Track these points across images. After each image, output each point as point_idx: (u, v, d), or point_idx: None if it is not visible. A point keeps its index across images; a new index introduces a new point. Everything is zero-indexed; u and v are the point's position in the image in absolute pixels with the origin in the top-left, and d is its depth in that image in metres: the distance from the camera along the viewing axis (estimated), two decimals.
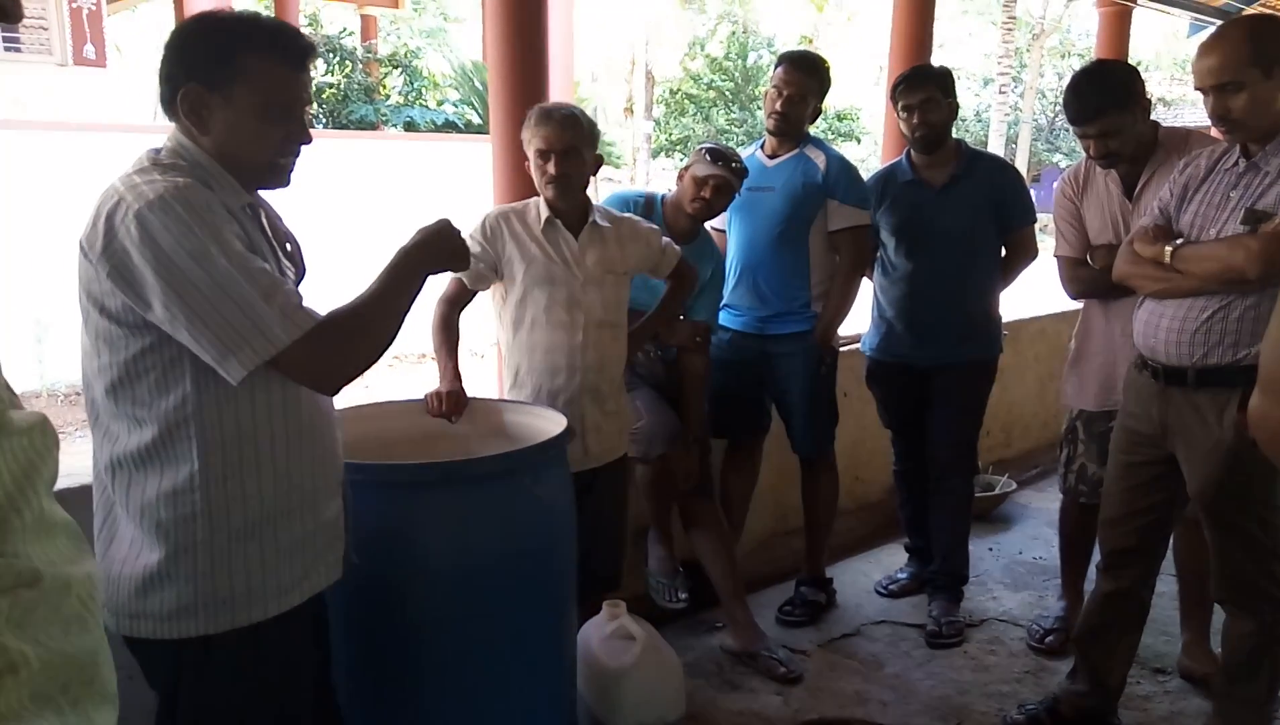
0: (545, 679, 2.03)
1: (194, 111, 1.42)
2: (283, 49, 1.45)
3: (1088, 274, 2.76)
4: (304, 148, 1.51)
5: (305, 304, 1.42)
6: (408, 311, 1.53)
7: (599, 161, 2.43)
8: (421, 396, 2.29)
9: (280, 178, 1.51)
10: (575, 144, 2.33)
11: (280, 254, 1.55)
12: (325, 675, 1.70)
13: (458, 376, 2.34)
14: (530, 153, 2.37)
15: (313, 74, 1.52)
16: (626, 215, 2.58)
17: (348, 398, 2.27)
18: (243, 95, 1.41)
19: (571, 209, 2.40)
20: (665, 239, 2.59)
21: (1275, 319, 0.93)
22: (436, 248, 1.58)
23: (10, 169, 6.36)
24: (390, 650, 1.87)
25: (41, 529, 0.68)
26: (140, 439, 1.40)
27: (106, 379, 1.40)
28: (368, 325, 1.47)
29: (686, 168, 2.85)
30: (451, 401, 2.26)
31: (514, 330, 2.43)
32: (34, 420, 0.68)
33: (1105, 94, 2.56)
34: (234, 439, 1.43)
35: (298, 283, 1.57)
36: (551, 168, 2.32)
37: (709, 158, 2.77)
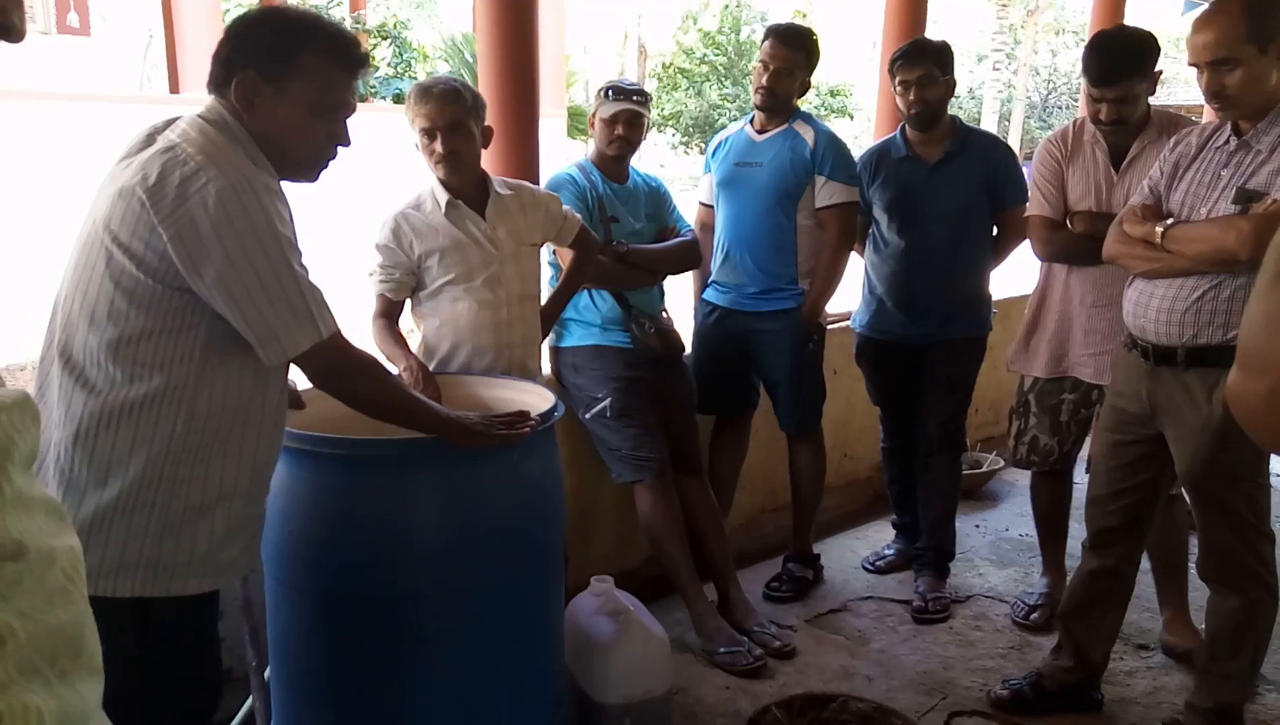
0: (533, 654, 2.03)
1: (246, 97, 1.48)
2: (342, 52, 1.53)
3: (1063, 237, 2.77)
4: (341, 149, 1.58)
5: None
6: (399, 420, 1.74)
7: (489, 134, 2.38)
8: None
9: (313, 173, 1.59)
10: (459, 119, 2.27)
11: None
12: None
13: (425, 370, 2.30)
14: (415, 132, 2.32)
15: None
16: (523, 183, 2.55)
17: None
18: (296, 89, 1.48)
19: (468, 186, 2.35)
20: (565, 207, 2.55)
21: (1254, 297, 0.94)
22: (464, 437, 1.77)
23: None
24: (377, 626, 1.87)
25: (21, 505, 0.68)
26: (128, 394, 1.42)
27: (115, 330, 1.41)
28: (377, 385, 1.66)
29: (593, 113, 2.84)
30: (428, 387, 2.22)
31: (434, 316, 2.39)
32: (15, 397, 0.68)
33: (1131, 59, 2.57)
34: (218, 414, 1.47)
35: None
36: (439, 146, 2.27)
37: (609, 96, 2.78)
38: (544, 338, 2.61)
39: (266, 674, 2.05)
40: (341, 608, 1.87)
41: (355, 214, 4.93)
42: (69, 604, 0.70)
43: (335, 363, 1.54)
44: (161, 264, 1.39)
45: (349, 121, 1.58)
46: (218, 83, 1.50)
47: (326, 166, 1.59)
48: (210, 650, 1.60)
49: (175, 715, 1.52)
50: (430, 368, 2.34)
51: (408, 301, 2.44)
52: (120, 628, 1.42)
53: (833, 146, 2.99)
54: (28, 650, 0.65)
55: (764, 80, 2.97)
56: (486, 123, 2.37)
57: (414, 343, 2.43)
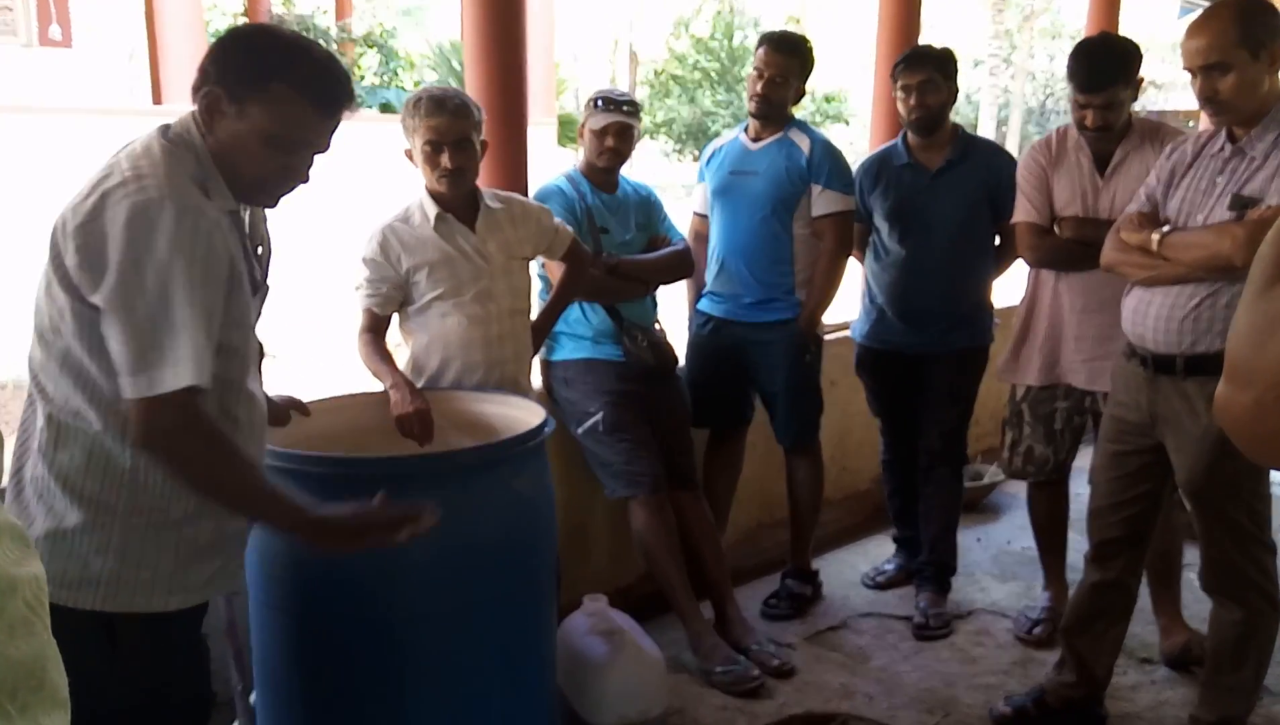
0: (525, 675, 1.99)
1: (208, 111, 1.43)
2: (316, 90, 1.45)
3: (1051, 242, 2.77)
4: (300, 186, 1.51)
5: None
6: (241, 507, 1.50)
7: (484, 147, 2.34)
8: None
9: (266, 201, 1.53)
10: (468, 134, 2.24)
11: (254, 261, 1.56)
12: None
13: (413, 388, 2.23)
14: (415, 142, 2.25)
15: (343, 120, 1.53)
16: (514, 195, 2.51)
17: (319, 390, 2.23)
18: (256, 116, 1.42)
19: (459, 199, 2.31)
20: (558, 220, 2.51)
21: (1240, 308, 0.93)
22: (323, 538, 1.51)
23: None
24: (368, 645, 1.84)
25: None
26: (79, 405, 1.39)
27: (59, 346, 1.40)
28: (219, 467, 1.42)
29: (583, 124, 2.81)
30: (426, 420, 2.17)
31: (423, 332, 2.34)
32: None
33: (1117, 65, 2.60)
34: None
35: (258, 291, 1.56)
36: (446, 161, 2.22)
37: (599, 106, 2.75)
38: (535, 352, 2.58)
39: (252, 698, 2.00)
40: (328, 629, 1.83)
41: (340, 226, 4.89)
42: (30, 635, 0.68)
43: (174, 422, 1.35)
44: (75, 278, 1.35)
45: (312, 160, 1.50)
46: (194, 90, 1.46)
47: (285, 195, 1.52)
48: (187, 671, 1.55)
49: None
50: (419, 385, 2.29)
51: (395, 317, 2.40)
52: (85, 639, 1.39)
53: (829, 155, 2.96)
54: None
55: (759, 88, 2.94)
56: (482, 136, 2.33)
57: (401, 359, 2.38)
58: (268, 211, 1.61)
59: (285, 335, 6.04)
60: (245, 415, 1.54)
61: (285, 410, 1.96)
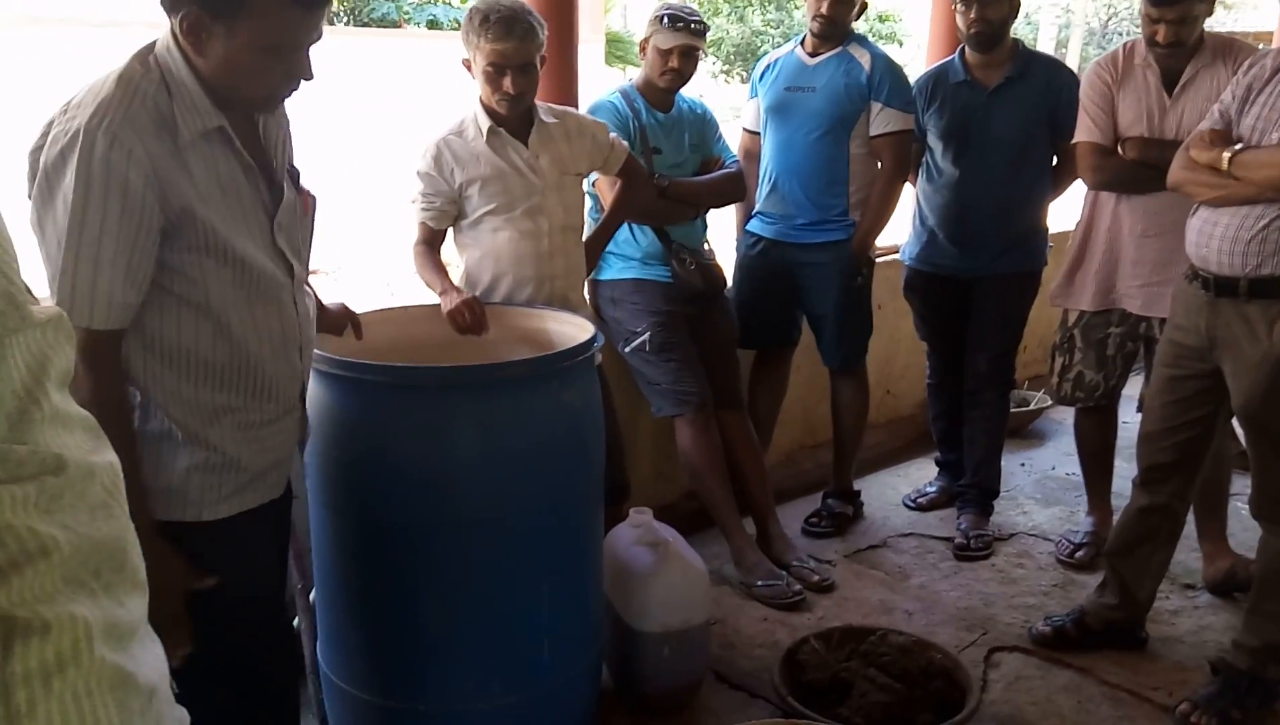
0: (572, 582, 2.04)
1: (193, 34, 1.37)
2: None
3: (1114, 163, 2.68)
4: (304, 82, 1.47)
5: (123, 310, 1.39)
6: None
7: (544, 61, 2.28)
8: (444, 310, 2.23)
9: (272, 107, 1.51)
10: (532, 58, 2.19)
11: (258, 173, 1.51)
12: (280, 598, 1.72)
13: (460, 292, 2.25)
14: (477, 60, 2.20)
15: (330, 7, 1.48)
16: (569, 109, 2.47)
17: (373, 301, 2.26)
18: (245, 30, 1.36)
19: (516, 115, 2.28)
20: (613, 134, 2.47)
21: None
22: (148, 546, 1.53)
23: None
24: (416, 552, 1.88)
25: (59, 421, 0.68)
26: None
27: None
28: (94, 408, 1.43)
29: (647, 38, 2.72)
30: (476, 309, 2.20)
31: (475, 247, 2.34)
32: (50, 314, 0.68)
33: None
34: (176, 349, 1.45)
35: (274, 206, 1.53)
36: (509, 85, 2.18)
37: (666, 23, 2.64)
38: (589, 271, 2.56)
39: (312, 596, 2.08)
40: (382, 533, 1.88)
41: (392, 141, 4.88)
42: (110, 518, 0.71)
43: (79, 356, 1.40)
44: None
45: (310, 53, 1.44)
46: (167, 9, 1.38)
47: (287, 97, 1.50)
48: (238, 574, 1.56)
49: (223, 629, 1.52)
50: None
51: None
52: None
53: (890, 71, 2.87)
54: (72, 563, 0.66)
55: (823, 8, 2.84)
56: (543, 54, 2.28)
57: (455, 275, 2.40)
58: (289, 124, 1.58)
59: (346, 250, 6.08)
60: (277, 325, 1.54)
61: (341, 319, 1.97)
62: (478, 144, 2.29)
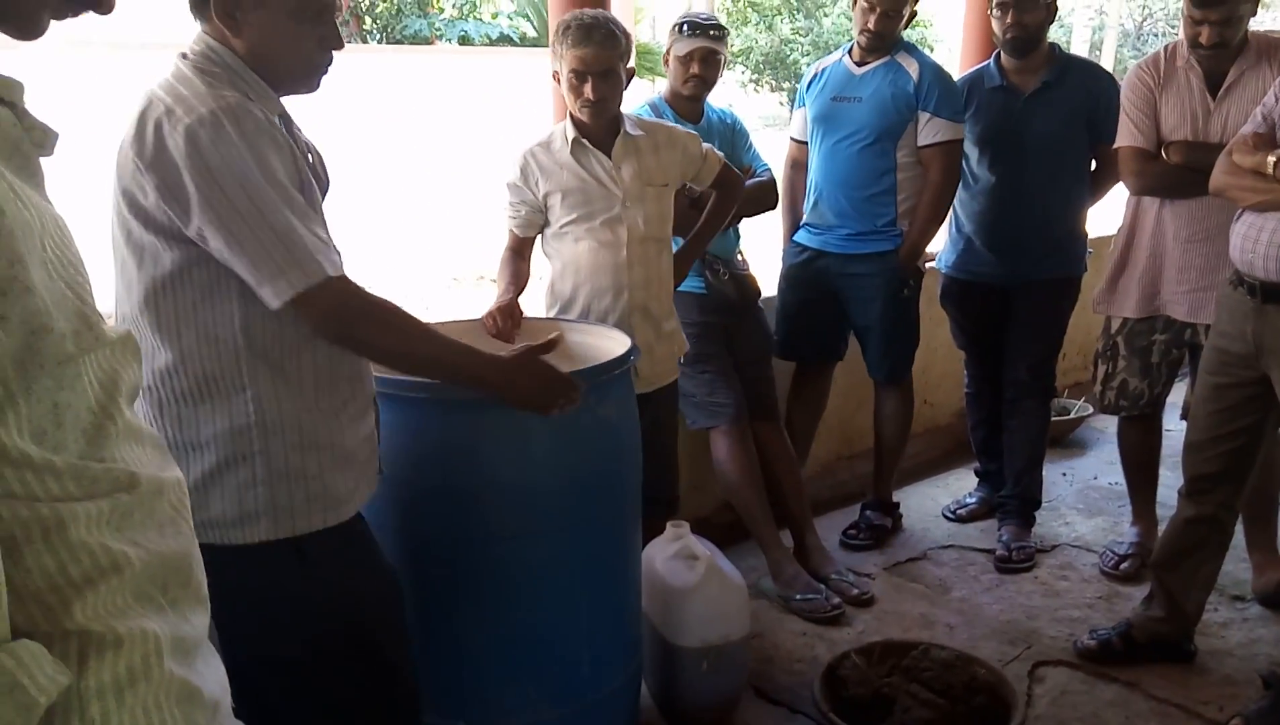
0: (610, 596, 2.04)
1: (227, 13, 1.39)
2: None
3: (1157, 168, 2.63)
4: (336, 55, 1.49)
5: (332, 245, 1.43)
6: (434, 373, 1.64)
7: (631, 74, 2.32)
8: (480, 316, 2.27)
9: (313, 82, 1.51)
10: (614, 65, 2.21)
11: (319, 159, 1.55)
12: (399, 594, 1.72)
13: (512, 297, 2.30)
14: (562, 70, 2.24)
15: None
16: (662, 121, 2.47)
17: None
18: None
19: (599, 125, 2.30)
20: (707, 146, 2.47)
21: None
22: (517, 390, 1.67)
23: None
24: (455, 565, 1.89)
25: (131, 436, 0.70)
26: (178, 352, 1.39)
27: (142, 290, 1.39)
28: (399, 333, 1.51)
29: (668, 50, 2.73)
30: (504, 316, 2.23)
31: (558, 257, 2.38)
32: (119, 334, 0.70)
33: None
34: (280, 353, 1.43)
35: (323, 195, 1.55)
36: (590, 92, 2.21)
37: (684, 31, 2.66)
38: (679, 282, 2.55)
39: None
40: (418, 549, 1.89)
41: (420, 156, 4.92)
42: (178, 534, 0.72)
43: (341, 308, 1.41)
44: (164, 218, 1.35)
45: (337, 22, 1.49)
46: (196, 3, 1.42)
47: (325, 73, 1.51)
48: (368, 578, 1.61)
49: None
50: (555, 309, 2.37)
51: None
52: (272, 566, 1.46)
53: (939, 80, 2.84)
54: (142, 579, 0.67)
55: (870, 23, 2.81)
56: (629, 64, 2.31)
57: (542, 286, 2.45)
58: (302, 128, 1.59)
59: (382, 266, 6.14)
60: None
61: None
62: (562, 155, 2.32)
